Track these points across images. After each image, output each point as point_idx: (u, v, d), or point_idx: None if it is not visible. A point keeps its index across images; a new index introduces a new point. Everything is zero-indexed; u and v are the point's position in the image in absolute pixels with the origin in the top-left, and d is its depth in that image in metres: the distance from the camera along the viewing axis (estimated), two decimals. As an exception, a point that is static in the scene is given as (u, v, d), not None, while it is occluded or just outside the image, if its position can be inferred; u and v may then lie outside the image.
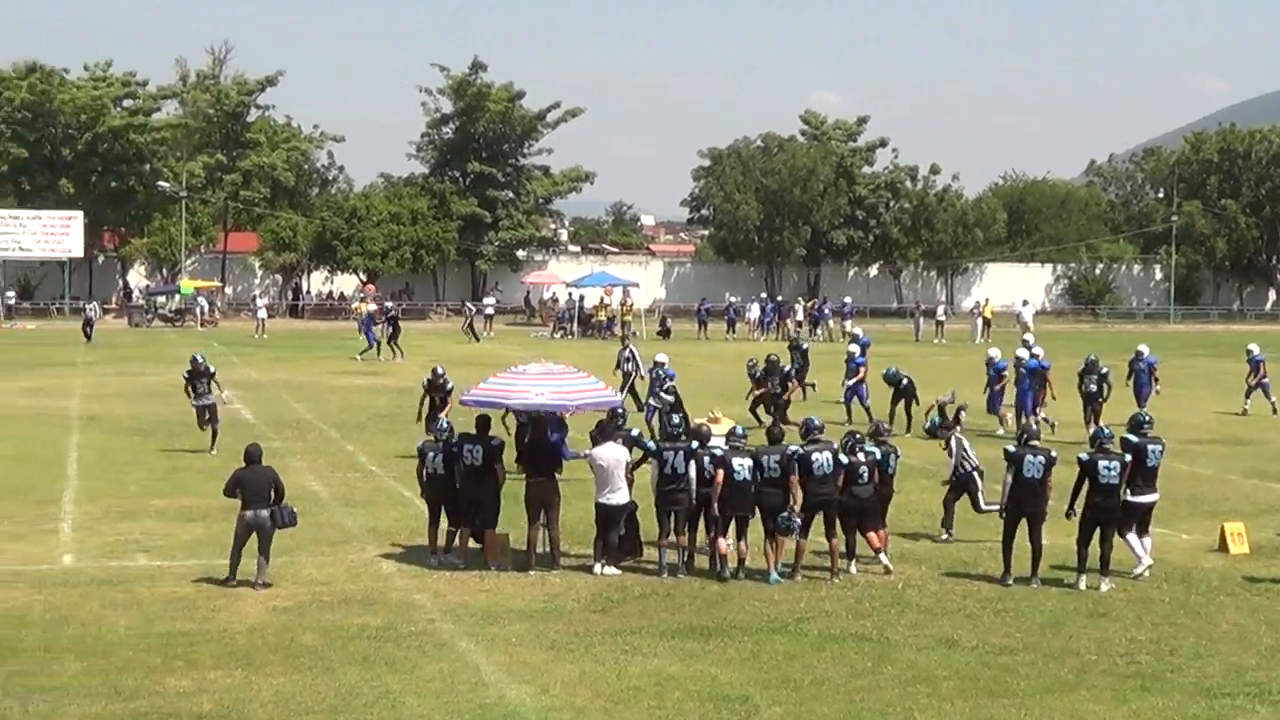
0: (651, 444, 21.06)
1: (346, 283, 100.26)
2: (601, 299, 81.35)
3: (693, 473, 19.96)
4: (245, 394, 43.31)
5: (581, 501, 21.95)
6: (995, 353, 36.95)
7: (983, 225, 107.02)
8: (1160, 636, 17.25)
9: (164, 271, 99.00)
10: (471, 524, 20.51)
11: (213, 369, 31.51)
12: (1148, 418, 21.29)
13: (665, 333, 76.54)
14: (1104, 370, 34.67)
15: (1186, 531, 23.58)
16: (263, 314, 77.64)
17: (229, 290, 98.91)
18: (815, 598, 18.91)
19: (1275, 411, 40.16)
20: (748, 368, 36.96)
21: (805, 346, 42.62)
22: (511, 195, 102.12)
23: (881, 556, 20.32)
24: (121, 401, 40.53)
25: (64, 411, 38.39)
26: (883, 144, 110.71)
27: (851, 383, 37.20)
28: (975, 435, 34.14)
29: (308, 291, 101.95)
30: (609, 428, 20.98)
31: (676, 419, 21.16)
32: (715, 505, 19.72)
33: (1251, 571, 20.76)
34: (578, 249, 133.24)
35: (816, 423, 20.73)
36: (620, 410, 22.54)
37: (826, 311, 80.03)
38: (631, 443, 21.25)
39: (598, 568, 20.05)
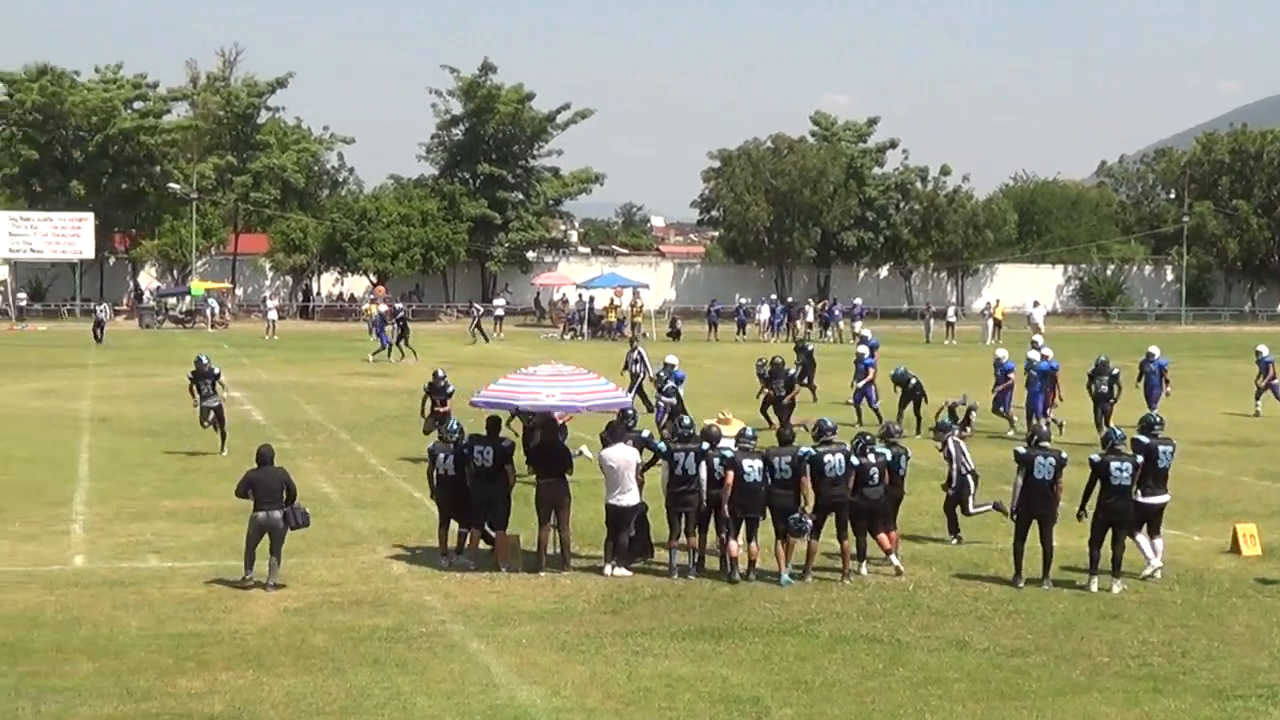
0: (662, 445, 21.04)
1: (357, 284, 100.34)
2: (611, 300, 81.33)
3: (704, 474, 19.94)
4: (256, 395, 43.37)
5: (592, 503, 21.94)
6: (1003, 353, 36.92)
7: (993, 226, 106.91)
8: (1172, 638, 17.22)
9: (174, 273, 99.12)
10: (482, 525, 20.54)
11: (217, 370, 31.49)
12: (1158, 419, 21.27)
13: (675, 334, 76.55)
14: (1115, 371, 34.61)
15: (1198, 533, 23.53)
16: (273, 315, 77.71)
17: (239, 292, 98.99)
18: (826, 599, 18.89)
19: None
20: (757, 368, 36.95)
21: (810, 348, 42.60)
22: (521, 197, 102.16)
23: (892, 558, 20.31)
24: (132, 403, 40.57)
25: (75, 413, 38.44)
26: (893, 145, 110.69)
27: (861, 384, 37.17)
28: (986, 437, 34.24)
29: (318, 293, 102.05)
30: (619, 429, 20.97)
31: (687, 420, 21.13)
32: (725, 507, 19.72)
33: (1264, 573, 20.71)
34: (587, 250, 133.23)
35: (829, 424, 20.71)
36: (630, 411, 22.53)
37: (837, 313, 79.98)
38: (642, 444, 21.24)
39: (608, 569, 20.04)
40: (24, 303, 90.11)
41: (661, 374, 33.67)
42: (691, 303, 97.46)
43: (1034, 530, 19.72)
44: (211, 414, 30.93)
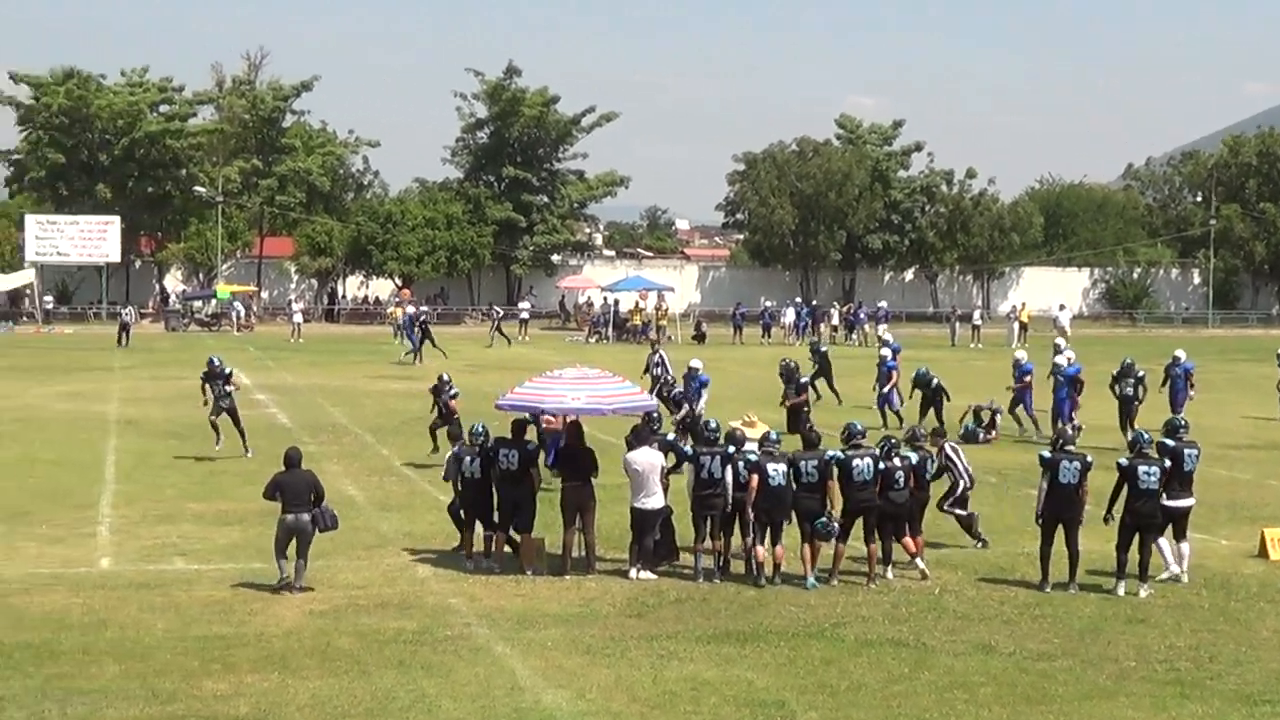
0: (688, 449, 21.02)
1: (382, 287, 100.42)
2: (636, 303, 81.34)
3: (729, 477, 19.92)
4: (281, 398, 43.46)
5: (617, 506, 21.92)
6: (1022, 355, 36.91)
7: (1019, 229, 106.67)
8: (1199, 643, 17.15)
9: (200, 276, 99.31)
10: (507, 528, 20.55)
11: (229, 370, 31.54)
12: (1183, 422, 21.20)
13: (700, 337, 76.53)
14: (1140, 374, 34.47)
15: (1226, 537, 23.44)
16: (298, 318, 77.83)
17: (265, 295, 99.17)
18: (852, 603, 18.85)
19: None
20: (780, 369, 36.96)
21: (824, 349, 42.50)
22: (546, 200, 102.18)
23: (918, 561, 20.27)
24: (158, 405, 40.66)
25: (101, 415, 38.54)
26: (918, 148, 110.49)
27: (885, 389, 37.05)
28: (1011, 440, 34.21)
29: (343, 296, 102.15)
30: (644, 432, 20.95)
31: (714, 423, 21.09)
32: (749, 510, 19.70)
33: (1291, 577, 20.64)
34: (612, 253, 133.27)
35: (858, 428, 20.66)
36: (655, 415, 22.50)
37: (862, 316, 79.84)
38: (667, 447, 21.22)
39: (633, 572, 20.02)
40: (51, 305, 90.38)
41: (665, 376, 33.67)
42: (716, 306, 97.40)
43: (1059, 534, 19.67)
44: (223, 412, 30.92)
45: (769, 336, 78.01)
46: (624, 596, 19.02)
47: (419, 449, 31.80)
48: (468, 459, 20.68)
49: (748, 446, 20.45)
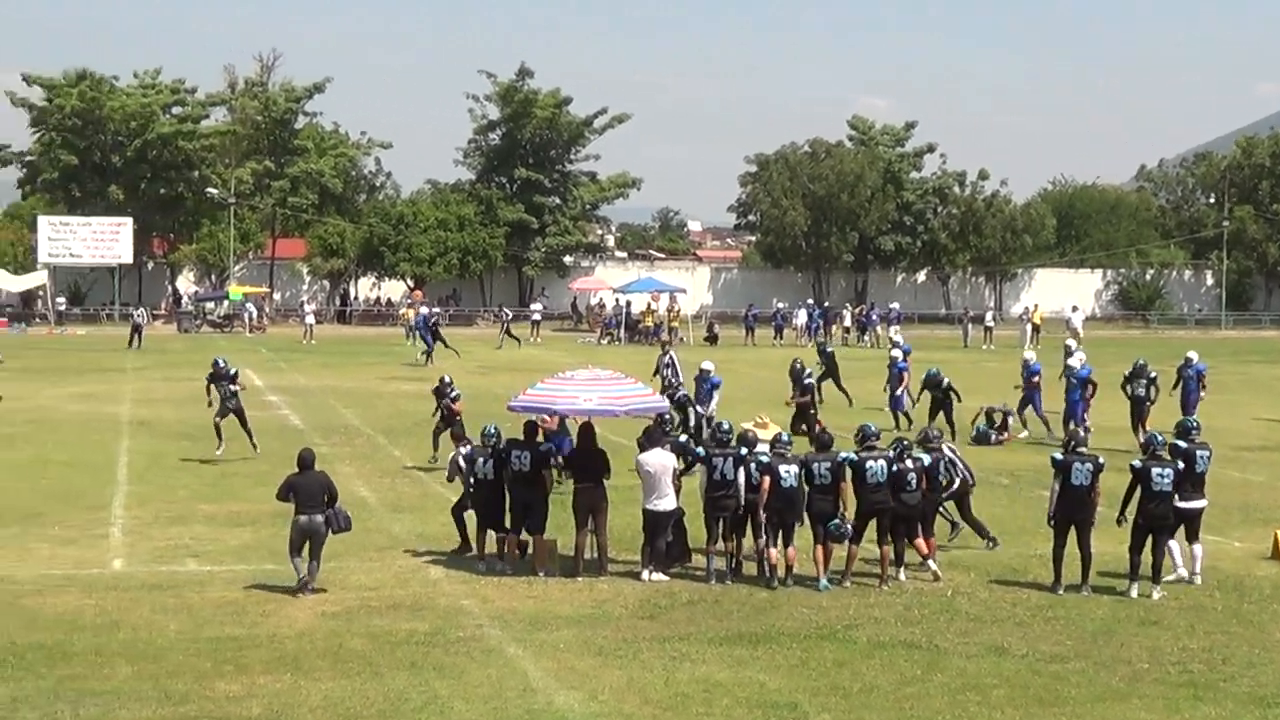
0: (700, 450, 21.01)
1: (394, 289, 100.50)
2: (648, 305, 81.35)
3: (741, 479, 19.91)
4: (293, 400, 43.49)
5: (629, 508, 21.92)
6: (1030, 355, 36.92)
7: (1032, 231, 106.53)
8: (1213, 645, 17.12)
9: (212, 277, 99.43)
10: (519, 530, 20.55)
11: (234, 371, 31.51)
12: (1195, 424, 21.17)
13: (713, 339, 76.52)
14: (1153, 375, 34.40)
15: (1239, 539, 23.40)
16: (311, 320, 77.82)
17: (277, 296, 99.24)
18: (864, 604, 18.84)
19: None
20: (790, 369, 36.97)
21: (830, 349, 42.42)
22: (558, 201, 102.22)
23: (930, 563, 20.25)
24: (170, 407, 40.68)
25: (114, 417, 38.59)
26: (930, 149, 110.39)
27: (898, 390, 36.97)
28: (1025, 442, 34.16)
29: (355, 297, 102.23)
30: (656, 434, 20.94)
31: (726, 425, 21.07)
32: (761, 512, 19.69)
33: (1305, 579, 20.60)
34: (624, 255, 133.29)
35: (873, 429, 20.63)
36: (667, 416, 22.48)
37: (874, 317, 79.76)
38: (679, 449, 21.21)
39: (645, 574, 20.02)
40: (63, 307, 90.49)
41: (670, 377, 33.65)
42: (728, 307, 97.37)
43: (1072, 536, 19.65)
44: (229, 413, 30.83)
45: (781, 338, 77.93)
46: (636, 598, 19.02)
47: (430, 451, 31.81)
48: (480, 460, 20.68)
49: (759, 448, 20.44)
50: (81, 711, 14.23)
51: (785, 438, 20.76)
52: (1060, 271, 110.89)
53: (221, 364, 31.33)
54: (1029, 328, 75.10)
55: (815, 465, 19.77)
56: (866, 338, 77.53)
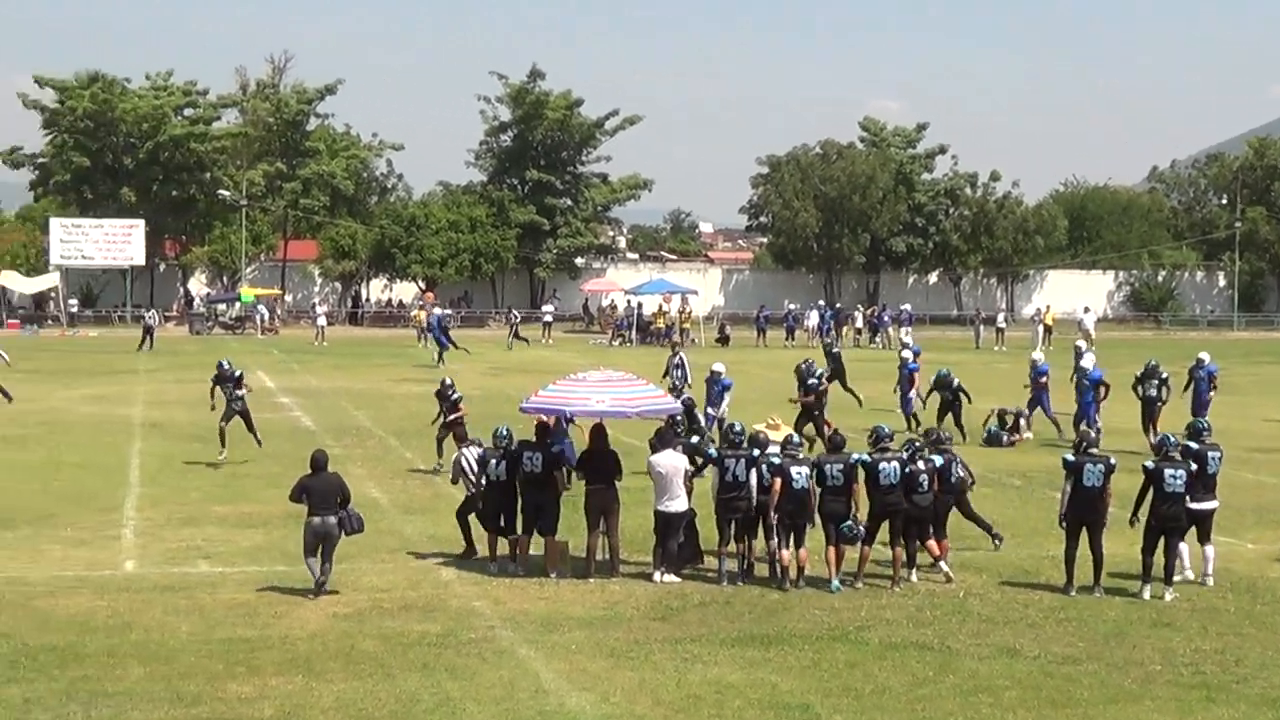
0: (712, 451, 21.00)
1: (406, 290, 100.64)
2: (660, 306, 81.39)
3: (754, 480, 19.90)
4: (305, 401, 43.51)
5: (640, 509, 21.91)
6: (1038, 356, 36.91)
7: (1043, 232, 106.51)
8: (1225, 647, 17.08)
9: (224, 279, 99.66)
10: (531, 531, 20.55)
11: (239, 373, 31.32)
12: (1206, 425, 21.14)
13: (724, 340, 76.53)
14: (1164, 375, 34.31)
15: (1252, 541, 23.35)
16: (322, 321, 77.88)
17: (289, 298, 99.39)
18: (876, 606, 18.82)
19: None
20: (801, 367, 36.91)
21: (837, 350, 42.39)
22: (570, 203, 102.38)
23: (942, 564, 20.22)
24: (183, 408, 40.69)
25: (126, 419, 38.63)
26: (942, 151, 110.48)
27: (912, 392, 36.87)
28: (1037, 443, 34.11)
29: (367, 299, 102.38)
30: (668, 435, 20.93)
31: (738, 426, 21.04)
32: (772, 513, 19.67)
33: (1318, 581, 20.55)
34: (636, 256, 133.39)
35: (886, 431, 20.61)
36: (679, 418, 22.47)
37: (886, 319, 79.76)
38: (691, 450, 21.20)
39: (657, 575, 20.01)
40: (75, 309, 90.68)
41: (678, 383, 33.61)
42: (740, 309, 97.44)
43: (1084, 537, 19.62)
44: (235, 416, 30.67)
45: (793, 339, 77.92)
46: (648, 600, 19.01)
47: (444, 452, 31.82)
48: (493, 461, 20.67)
49: (771, 449, 20.42)
50: (94, 713, 14.24)
51: (796, 439, 20.76)
52: (1072, 273, 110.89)
53: (226, 366, 31.22)
54: (1041, 329, 74.98)
55: (828, 466, 19.75)
56: (878, 339, 77.51)
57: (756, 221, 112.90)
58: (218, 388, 31.20)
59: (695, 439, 23.33)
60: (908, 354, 38.25)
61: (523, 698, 14.82)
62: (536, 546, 20.70)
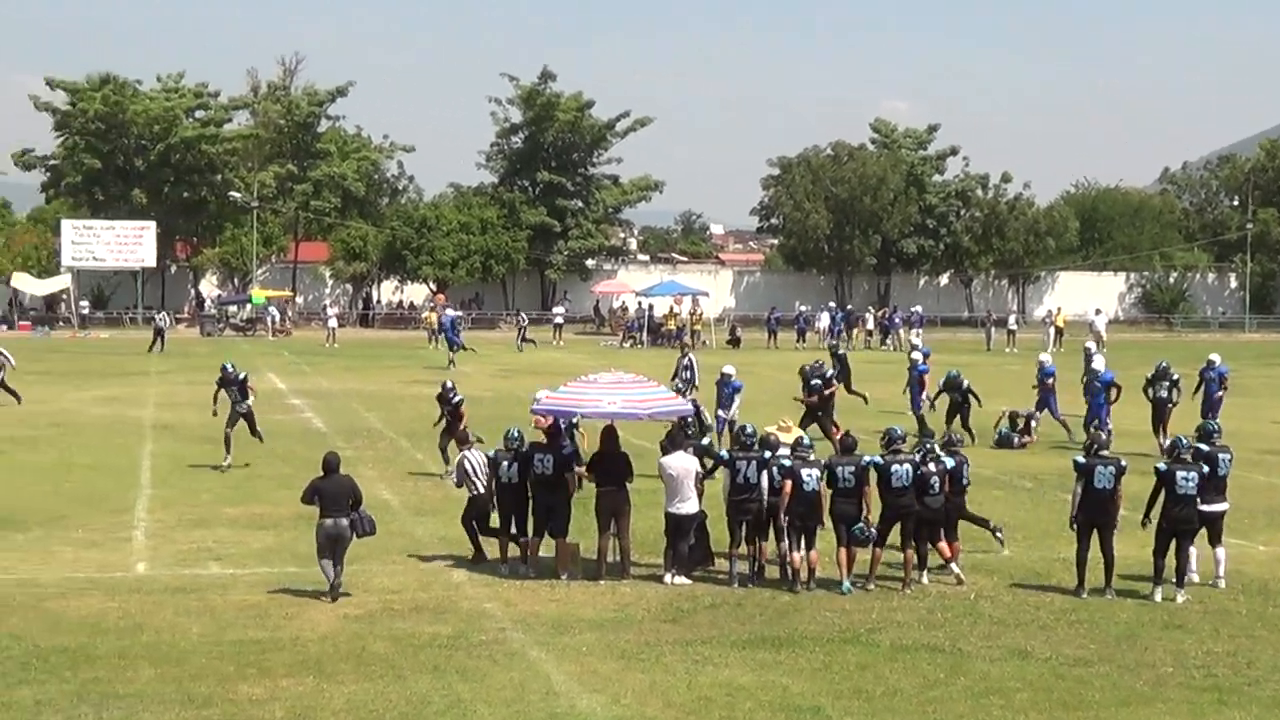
0: (724, 453, 21.00)
1: (417, 292, 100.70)
2: (671, 308, 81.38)
3: (765, 482, 19.89)
4: (316, 403, 43.54)
5: (651, 511, 21.91)
6: (1045, 358, 36.85)
7: (1055, 233, 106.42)
8: (1237, 649, 17.05)
9: (235, 281, 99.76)
10: (541, 533, 20.56)
11: (243, 375, 31.14)
12: (1216, 427, 21.12)
13: (735, 342, 76.51)
14: (1175, 377, 34.22)
15: (1264, 543, 23.32)
16: (333, 323, 77.94)
17: (300, 300, 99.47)
18: (887, 608, 18.80)
19: None
20: (812, 366, 36.88)
21: (843, 352, 42.39)
22: (581, 204, 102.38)
23: (953, 566, 20.20)
24: (194, 410, 40.63)
25: (137, 420, 38.66)
26: (953, 152, 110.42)
27: (926, 394, 36.68)
28: (1048, 445, 34.06)
29: (378, 301, 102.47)
30: (679, 437, 20.92)
31: (750, 428, 21.02)
32: (781, 515, 19.66)
33: (1330, 583, 20.50)
34: (647, 258, 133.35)
35: (899, 433, 20.60)
36: (690, 420, 22.46)
37: (897, 320, 79.74)
38: (702, 452, 21.18)
39: (668, 577, 20.00)
40: (87, 310, 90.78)
41: (682, 380, 33.59)
42: (751, 310, 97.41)
43: (1095, 539, 19.59)
44: (240, 420, 30.51)
45: (804, 341, 77.86)
46: (659, 601, 19.00)
47: (454, 453, 31.77)
48: (505, 463, 20.68)
49: (781, 451, 20.40)
50: (105, 714, 14.25)
51: (807, 440, 20.75)
52: (1083, 274, 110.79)
53: (230, 369, 31.04)
54: (1052, 331, 75.04)
55: (839, 468, 19.73)
56: (889, 341, 77.47)
57: (767, 223, 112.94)
58: (222, 391, 31.02)
59: (705, 440, 23.32)
60: (917, 355, 38.20)
61: (534, 700, 14.81)
62: (547, 548, 20.71)
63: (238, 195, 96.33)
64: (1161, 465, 19.74)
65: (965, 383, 34.95)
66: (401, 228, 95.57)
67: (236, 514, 25.10)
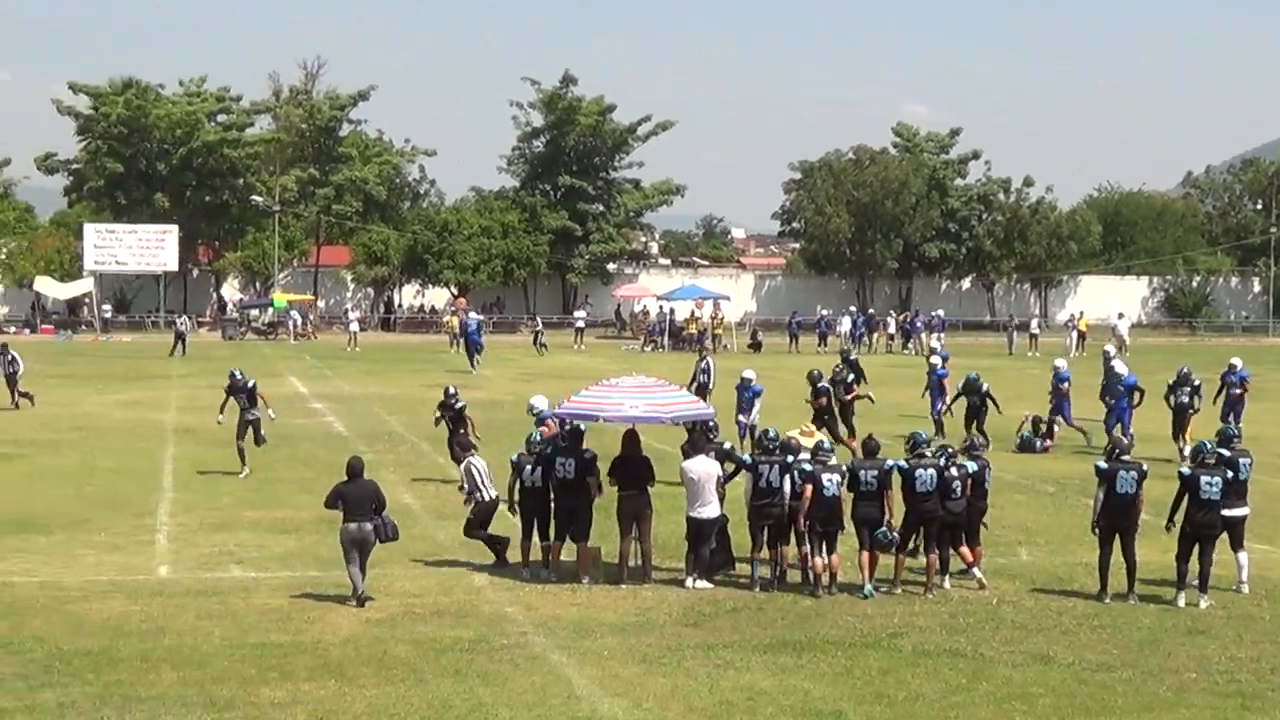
0: (746, 457, 20.98)
1: (438, 296, 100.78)
2: (692, 312, 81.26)
3: (787, 486, 19.87)
4: (338, 407, 43.59)
5: (673, 515, 21.89)
6: (1061, 363, 36.80)
7: (1077, 237, 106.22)
8: (1261, 654, 17.00)
9: (257, 285, 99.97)
10: (563, 537, 20.55)
11: (252, 383, 30.91)
12: (1236, 432, 21.08)
13: (756, 346, 76.42)
14: (1197, 383, 34.11)
15: (1287, 548, 23.23)
16: (355, 327, 78.07)
17: (321, 304, 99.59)
18: (909, 613, 18.77)
19: None
20: (834, 371, 36.85)
21: (855, 357, 42.39)
22: (602, 208, 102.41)
23: (975, 571, 20.16)
24: (215, 414, 40.77)
25: (159, 424, 38.75)
26: (975, 156, 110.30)
27: (950, 401, 36.53)
28: (1070, 450, 33.98)
29: (399, 305, 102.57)
30: (700, 441, 20.91)
31: (772, 432, 20.99)
32: (801, 520, 19.63)
33: (1354, 589, 20.42)
34: (668, 262, 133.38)
35: (924, 437, 20.58)
36: (712, 424, 22.44)
37: (919, 325, 79.64)
38: (724, 456, 21.16)
39: (689, 581, 19.99)
40: (109, 314, 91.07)
41: (696, 383, 33.67)
42: (772, 314, 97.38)
43: (1117, 544, 19.54)
44: (249, 429, 30.27)
45: (825, 345, 77.73)
46: (680, 606, 18.98)
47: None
48: (528, 468, 20.68)
49: (802, 456, 20.37)
50: (127, 717, 14.28)
51: (827, 445, 20.73)
52: (1106, 278, 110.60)
53: (238, 376, 30.86)
54: (1075, 335, 74.86)
55: (862, 472, 19.71)
56: (910, 345, 77.37)
57: (789, 227, 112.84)
58: (231, 399, 30.80)
59: (729, 447, 23.28)
60: (936, 360, 38.15)
61: (555, 704, 14.81)
62: (569, 553, 20.71)
63: (259, 199, 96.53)
64: (1185, 470, 19.71)
65: (985, 386, 34.91)
66: (423, 232, 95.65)
67: (258, 517, 25.13)
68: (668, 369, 47.11)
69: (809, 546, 19.69)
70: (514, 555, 21.04)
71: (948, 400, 36.48)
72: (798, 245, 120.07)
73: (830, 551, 19.70)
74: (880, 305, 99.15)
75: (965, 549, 20.17)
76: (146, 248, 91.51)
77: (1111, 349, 39.94)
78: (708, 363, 37.90)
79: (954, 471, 19.98)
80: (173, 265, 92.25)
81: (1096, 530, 19.67)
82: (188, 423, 38.81)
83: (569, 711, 14.59)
